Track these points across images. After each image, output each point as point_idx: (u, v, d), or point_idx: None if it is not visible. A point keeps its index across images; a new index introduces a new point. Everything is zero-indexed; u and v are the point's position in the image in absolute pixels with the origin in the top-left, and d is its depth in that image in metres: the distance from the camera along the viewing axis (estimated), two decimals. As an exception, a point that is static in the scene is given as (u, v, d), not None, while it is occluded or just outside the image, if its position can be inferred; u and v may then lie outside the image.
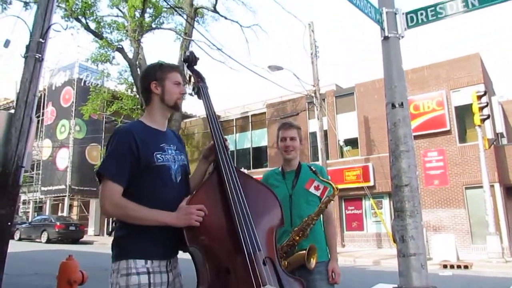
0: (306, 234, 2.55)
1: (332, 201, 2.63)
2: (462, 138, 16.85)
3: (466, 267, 11.33)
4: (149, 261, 1.84)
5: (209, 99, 2.28)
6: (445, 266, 11.50)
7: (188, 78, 2.30)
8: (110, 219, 25.34)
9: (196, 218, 1.84)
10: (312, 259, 2.49)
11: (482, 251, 14.21)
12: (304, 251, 2.46)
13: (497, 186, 15.84)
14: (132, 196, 1.86)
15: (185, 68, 2.33)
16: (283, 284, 1.91)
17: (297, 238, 2.52)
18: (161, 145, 2.01)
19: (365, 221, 17.91)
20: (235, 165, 2.10)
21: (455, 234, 14.34)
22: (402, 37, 2.82)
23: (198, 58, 2.37)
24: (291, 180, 2.74)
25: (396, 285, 2.44)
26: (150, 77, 2.09)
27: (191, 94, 2.33)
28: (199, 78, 2.32)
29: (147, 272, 1.82)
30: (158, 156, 1.96)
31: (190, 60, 2.33)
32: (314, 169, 2.67)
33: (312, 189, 2.67)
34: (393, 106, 2.69)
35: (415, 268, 2.42)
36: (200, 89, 2.29)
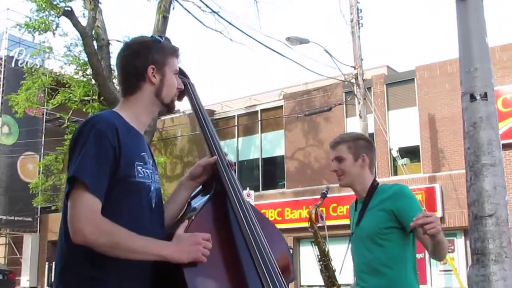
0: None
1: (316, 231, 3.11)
2: None
3: None
4: None
5: (199, 100, 2.43)
6: None
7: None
8: (53, 264, 25.47)
9: (204, 251, 1.90)
10: None
11: None
12: None
13: None
14: None
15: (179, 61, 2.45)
16: None
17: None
18: (141, 154, 2.06)
19: (429, 270, 17.80)
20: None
21: None
22: (487, -4, 2.84)
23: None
24: (360, 209, 3.03)
25: None
26: (146, 57, 2.13)
27: None
28: (181, 72, 2.41)
29: None
30: (139, 168, 2.01)
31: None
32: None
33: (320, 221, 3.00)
34: (473, 97, 2.70)
35: None
36: (186, 85, 2.40)
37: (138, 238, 1.87)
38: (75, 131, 2.01)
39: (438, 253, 3.09)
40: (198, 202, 2.22)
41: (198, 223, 2.02)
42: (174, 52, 2.21)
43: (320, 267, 3.20)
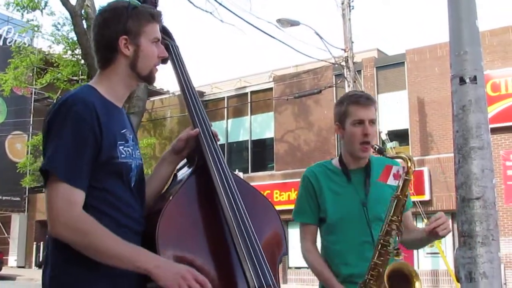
0: (391, 249, 2.47)
1: (408, 181, 2.53)
2: None
3: None
4: None
5: (183, 64, 2.28)
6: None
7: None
8: (41, 244, 25.45)
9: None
10: (414, 282, 2.42)
11: None
12: (383, 282, 2.40)
13: None
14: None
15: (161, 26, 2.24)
16: None
17: (381, 261, 2.47)
18: (122, 132, 1.94)
19: (416, 253, 17.95)
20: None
21: (548, 275, 14.38)
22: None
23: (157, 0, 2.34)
24: (361, 182, 2.73)
25: None
26: (117, 27, 1.94)
27: None
28: (165, 33, 2.28)
29: None
30: (121, 148, 1.90)
31: (148, 2, 2.22)
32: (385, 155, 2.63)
33: (391, 180, 2.62)
34: (462, 81, 2.70)
35: (489, 320, 2.44)
36: (169, 48, 2.27)
37: (119, 242, 1.76)
38: (49, 112, 1.85)
39: (421, 246, 2.99)
40: (183, 174, 2.14)
41: (180, 199, 1.97)
42: (151, 17, 2.01)
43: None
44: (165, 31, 2.28)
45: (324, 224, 2.73)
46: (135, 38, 1.95)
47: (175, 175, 2.19)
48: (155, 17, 2.03)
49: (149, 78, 2.04)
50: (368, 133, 2.64)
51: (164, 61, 2.20)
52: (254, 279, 1.90)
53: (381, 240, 2.47)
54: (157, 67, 2.08)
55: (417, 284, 2.40)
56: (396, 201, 2.50)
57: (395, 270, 2.41)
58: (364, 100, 2.70)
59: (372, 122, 2.68)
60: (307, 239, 2.77)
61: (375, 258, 2.47)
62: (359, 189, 2.70)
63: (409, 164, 2.50)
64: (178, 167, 2.24)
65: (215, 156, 2.10)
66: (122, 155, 1.88)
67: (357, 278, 2.52)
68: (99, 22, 1.99)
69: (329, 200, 2.70)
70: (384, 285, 2.37)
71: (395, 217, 2.48)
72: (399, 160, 2.64)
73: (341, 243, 2.66)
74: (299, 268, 19.85)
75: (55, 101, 1.94)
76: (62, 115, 1.80)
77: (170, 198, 1.95)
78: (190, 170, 2.11)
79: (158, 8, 2.31)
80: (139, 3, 2.05)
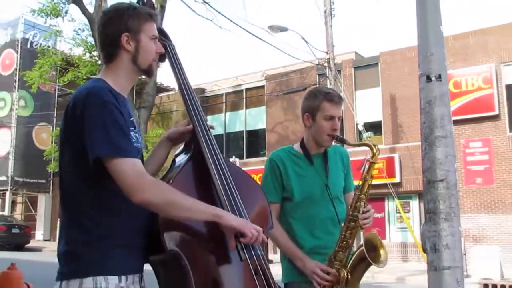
0: (359, 223, 2.48)
1: (374, 165, 2.56)
2: (514, 124, 16.90)
3: (513, 287, 11.49)
4: (123, 278, 1.76)
5: (179, 61, 2.23)
6: (486, 286, 11.65)
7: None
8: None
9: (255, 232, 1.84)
10: (380, 251, 2.44)
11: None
12: (362, 247, 2.41)
13: (556, 187, 15.97)
14: (99, 198, 1.77)
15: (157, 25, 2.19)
16: None
17: (349, 234, 2.48)
18: (131, 120, 1.90)
19: (388, 228, 18.08)
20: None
21: (500, 247, 14.48)
22: (443, -11, 2.82)
23: (154, 5, 2.31)
24: (321, 165, 2.72)
25: (424, 307, 2.47)
26: (120, 26, 1.91)
27: None
28: (161, 34, 2.23)
29: None
30: (132, 134, 1.86)
31: (147, 6, 2.19)
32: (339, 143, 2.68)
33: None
34: (429, 79, 2.69)
35: (450, 285, 2.45)
36: (167, 47, 2.21)
37: (193, 199, 1.79)
38: (78, 102, 1.78)
39: None
40: (181, 160, 2.10)
41: (179, 181, 1.92)
42: (149, 17, 1.97)
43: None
44: (162, 33, 2.24)
45: (290, 202, 2.70)
46: (135, 35, 1.92)
47: (174, 161, 2.15)
48: (153, 16, 2.00)
49: (148, 71, 2.00)
50: (337, 128, 2.65)
51: (162, 59, 2.17)
52: (244, 250, 1.89)
53: (350, 216, 2.49)
54: (157, 63, 2.06)
55: (381, 251, 2.44)
56: (363, 181, 2.52)
57: (369, 239, 2.42)
58: (337, 99, 2.70)
59: (339, 118, 2.69)
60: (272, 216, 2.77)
61: (344, 231, 2.48)
62: (321, 172, 2.69)
63: (374, 150, 2.55)
64: (176, 153, 2.21)
65: (209, 143, 2.07)
66: (133, 140, 1.84)
67: (321, 249, 2.53)
68: (104, 21, 1.96)
69: (294, 181, 2.67)
70: (363, 249, 2.39)
71: (362, 195, 2.51)
72: (365, 148, 2.68)
73: (307, 218, 2.64)
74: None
75: (72, 94, 1.87)
76: (93, 103, 1.75)
77: (170, 181, 1.91)
78: (187, 156, 2.08)
79: (165, 16, 2.29)
80: (139, 5, 2.04)
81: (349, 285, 2.43)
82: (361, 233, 2.53)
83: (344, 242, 2.48)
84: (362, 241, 2.45)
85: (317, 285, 2.46)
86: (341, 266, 2.45)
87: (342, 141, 2.66)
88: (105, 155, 1.69)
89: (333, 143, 2.72)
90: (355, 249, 2.57)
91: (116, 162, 1.69)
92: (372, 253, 2.42)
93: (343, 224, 2.51)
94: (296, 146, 2.83)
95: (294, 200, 2.67)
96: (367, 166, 2.55)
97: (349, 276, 2.43)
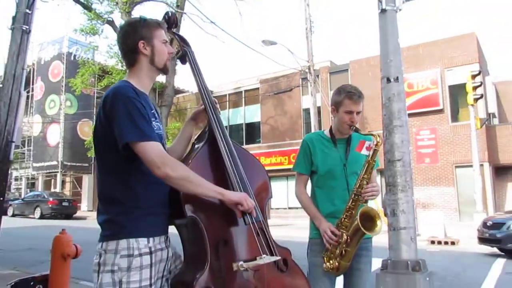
0: (363, 198, 2.44)
1: (377, 151, 2.49)
2: (455, 117, 16.96)
3: (453, 243, 11.57)
4: (151, 239, 1.74)
5: (197, 64, 2.16)
6: (432, 242, 11.73)
7: (169, 42, 2.05)
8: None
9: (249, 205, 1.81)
10: (376, 221, 2.39)
11: (469, 228, 14.54)
12: (357, 219, 2.36)
13: (486, 166, 16.07)
14: (125, 176, 1.72)
15: (166, 31, 2.09)
16: (274, 253, 1.94)
17: (353, 205, 2.44)
18: (152, 111, 1.85)
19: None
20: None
21: (443, 212, 14.59)
22: (400, 10, 2.78)
23: (178, 20, 2.21)
24: (343, 148, 2.65)
25: (385, 258, 2.48)
26: (135, 36, 1.86)
27: (174, 59, 2.19)
28: (183, 41, 2.16)
29: (149, 252, 1.71)
30: (154, 123, 1.80)
31: (171, 22, 2.10)
32: (360, 132, 2.59)
33: (364, 151, 2.60)
34: (388, 80, 2.68)
35: (405, 241, 2.45)
36: (187, 54, 2.14)
37: (203, 179, 1.75)
38: (107, 99, 1.73)
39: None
40: (198, 144, 2.04)
41: (198, 160, 1.89)
42: (158, 25, 1.91)
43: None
44: (183, 40, 2.17)
45: (316, 175, 2.66)
46: (150, 41, 1.86)
47: (193, 144, 2.10)
48: (161, 25, 1.94)
49: (164, 69, 1.93)
50: (354, 120, 2.59)
51: (183, 61, 2.12)
52: (248, 216, 1.87)
53: (355, 191, 2.45)
54: (175, 62, 1.99)
55: (378, 221, 2.39)
56: (367, 164, 2.47)
57: (364, 212, 2.39)
58: (356, 97, 2.63)
59: (358, 113, 2.62)
60: (300, 185, 2.71)
61: (349, 203, 2.45)
62: (342, 153, 2.63)
63: (378, 139, 2.50)
64: (194, 141, 2.15)
65: (219, 126, 2.03)
66: (155, 128, 1.79)
67: (337, 214, 2.49)
68: (122, 34, 1.90)
69: (320, 158, 2.63)
70: (357, 221, 2.35)
71: (366, 175, 2.46)
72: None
73: (328, 189, 2.60)
74: (278, 209, 20.02)
75: (105, 93, 1.82)
76: (121, 99, 1.71)
77: (190, 161, 1.89)
78: (202, 142, 2.04)
79: (181, 31, 2.22)
80: (148, 17, 1.94)
81: (348, 246, 2.41)
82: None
83: (349, 212, 2.44)
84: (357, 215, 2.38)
85: (326, 242, 2.46)
86: (345, 230, 2.42)
87: (356, 130, 2.59)
88: (133, 139, 1.66)
89: (351, 131, 2.65)
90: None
91: (142, 145, 1.66)
92: (369, 223, 2.38)
93: (349, 198, 2.48)
94: (326, 131, 2.78)
95: (319, 173, 2.63)
96: (371, 152, 2.50)
97: (349, 239, 2.42)
